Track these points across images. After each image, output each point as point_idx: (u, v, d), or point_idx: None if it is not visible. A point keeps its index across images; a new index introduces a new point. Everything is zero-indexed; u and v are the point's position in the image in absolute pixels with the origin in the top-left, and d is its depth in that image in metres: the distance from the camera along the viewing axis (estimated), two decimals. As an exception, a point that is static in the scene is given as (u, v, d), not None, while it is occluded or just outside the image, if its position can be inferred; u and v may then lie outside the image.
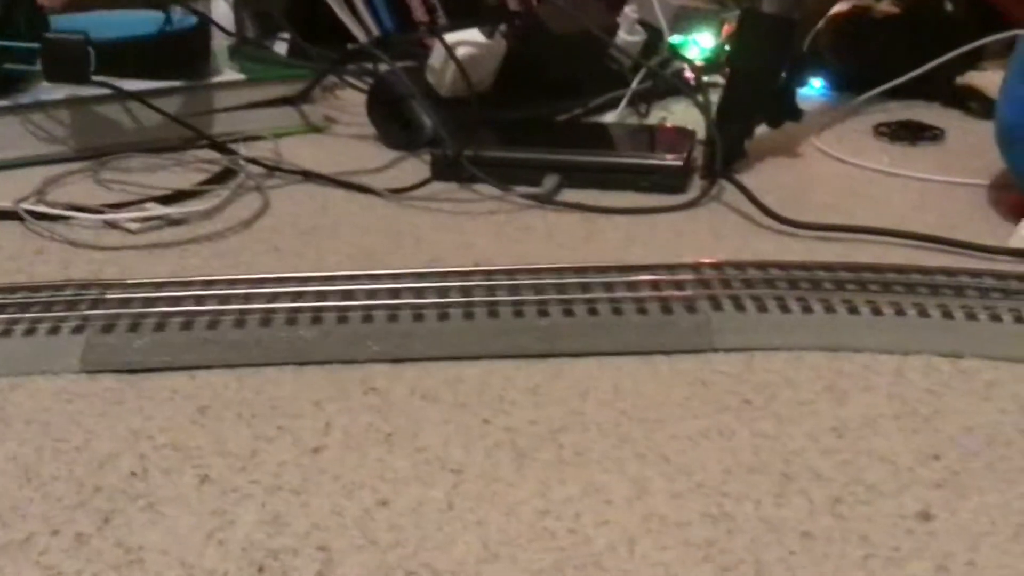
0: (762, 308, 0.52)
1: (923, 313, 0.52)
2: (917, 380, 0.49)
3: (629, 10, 0.93)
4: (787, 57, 0.78)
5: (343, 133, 0.89)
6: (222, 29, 0.92)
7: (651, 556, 0.36)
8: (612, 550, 0.37)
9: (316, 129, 0.89)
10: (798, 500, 0.40)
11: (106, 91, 0.77)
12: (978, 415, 0.46)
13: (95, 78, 0.75)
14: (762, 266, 0.57)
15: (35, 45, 0.73)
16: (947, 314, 0.52)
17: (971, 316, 0.52)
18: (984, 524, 0.39)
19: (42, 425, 0.44)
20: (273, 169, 0.77)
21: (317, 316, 0.51)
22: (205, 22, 0.86)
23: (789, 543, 0.37)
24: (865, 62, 0.97)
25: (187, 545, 0.37)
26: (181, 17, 0.85)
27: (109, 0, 0.92)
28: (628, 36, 0.92)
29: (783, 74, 0.78)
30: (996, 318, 0.51)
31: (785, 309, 0.52)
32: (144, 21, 0.84)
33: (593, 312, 0.52)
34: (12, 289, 0.54)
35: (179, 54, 0.83)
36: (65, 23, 0.82)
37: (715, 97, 0.79)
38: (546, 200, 0.71)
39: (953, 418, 0.46)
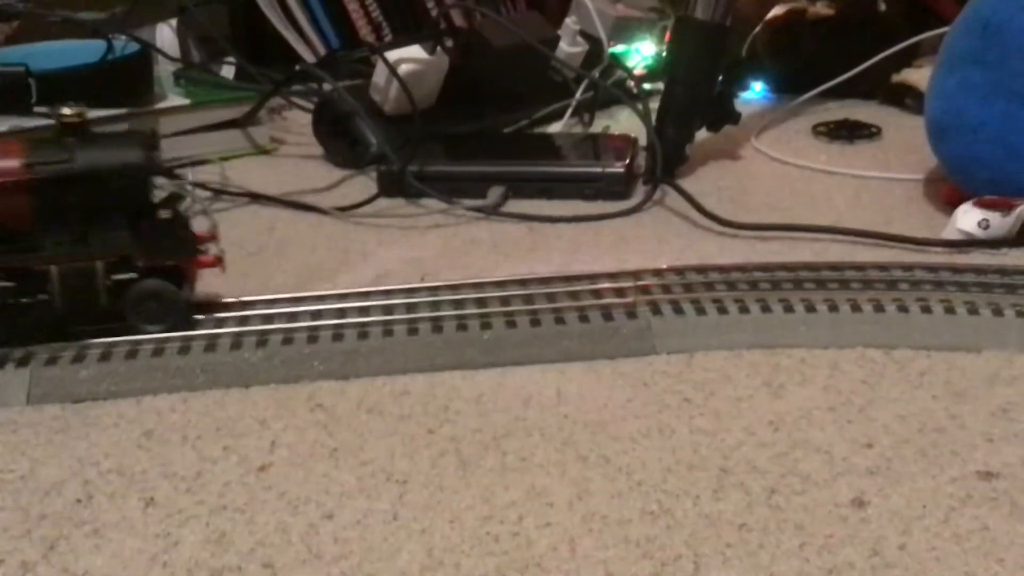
0: (701, 311, 0.53)
1: (856, 308, 0.53)
2: (852, 372, 0.50)
3: (570, 21, 0.94)
4: (722, 62, 0.79)
5: (290, 154, 0.89)
6: (164, 55, 0.92)
7: (592, 555, 0.37)
8: (554, 551, 0.37)
9: (263, 151, 0.89)
10: (735, 494, 0.41)
11: (49, 121, 0.77)
12: (911, 403, 0.47)
13: (37, 108, 0.75)
14: (701, 270, 0.58)
15: (-25, 79, 0.73)
16: (879, 308, 0.53)
17: (903, 309, 0.53)
18: (916, 509, 0.40)
19: (-13, 457, 0.44)
20: (220, 192, 0.77)
21: (263, 339, 0.51)
22: (147, 49, 0.86)
23: (727, 536, 0.38)
24: (802, 64, 0.98)
25: (132, 569, 0.37)
26: (124, 44, 0.85)
27: (52, 31, 0.92)
28: (569, 48, 0.93)
29: (719, 78, 0.80)
30: (927, 309, 0.53)
31: (723, 310, 0.53)
32: (87, 50, 0.84)
33: (535, 323, 0.53)
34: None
35: (122, 81, 0.83)
36: (6, 55, 0.82)
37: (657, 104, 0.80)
38: (491, 212, 0.72)
39: (887, 407, 0.47)
